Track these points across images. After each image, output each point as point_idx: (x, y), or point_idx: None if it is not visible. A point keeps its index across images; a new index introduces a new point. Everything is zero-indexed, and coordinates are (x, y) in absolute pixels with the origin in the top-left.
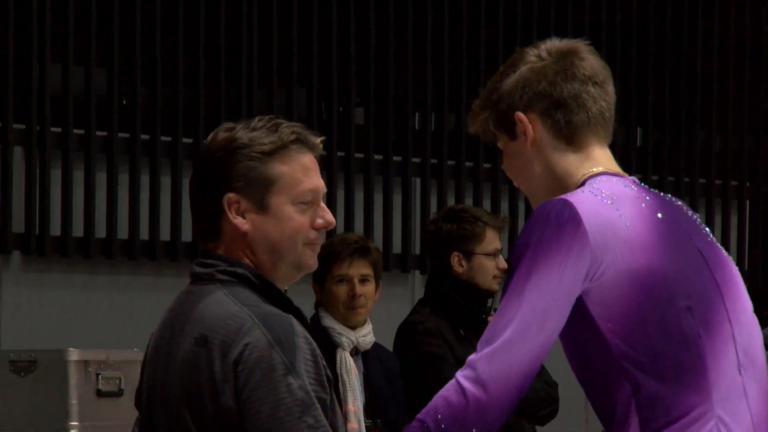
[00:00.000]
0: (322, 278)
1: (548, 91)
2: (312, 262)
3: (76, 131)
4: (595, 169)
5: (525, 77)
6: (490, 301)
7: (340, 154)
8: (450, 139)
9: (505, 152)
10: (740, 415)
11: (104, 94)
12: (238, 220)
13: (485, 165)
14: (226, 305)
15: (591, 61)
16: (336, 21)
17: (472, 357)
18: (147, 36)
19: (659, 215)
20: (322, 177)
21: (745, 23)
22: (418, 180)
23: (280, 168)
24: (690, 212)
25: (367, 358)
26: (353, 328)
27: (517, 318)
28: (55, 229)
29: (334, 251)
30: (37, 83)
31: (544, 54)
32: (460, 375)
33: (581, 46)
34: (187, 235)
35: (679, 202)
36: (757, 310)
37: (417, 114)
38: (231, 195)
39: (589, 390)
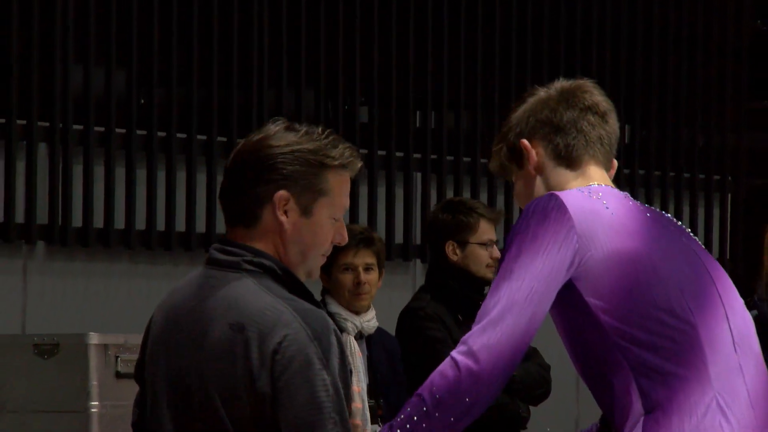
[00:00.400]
0: (328, 266)
1: (549, 118)
2: (318, 273)
3: (96, 129)
4: (589, 184)
5: (531, 108)
6: (486, 288)
7: None
8: (449, 136)
9: (515, 181)
10: (737, 391)
11: (123, 94)
12: (283, 218)
13: (482, 161)
14: (261, 296)
15: (594, 95)
16: (342, 26)
17: (464, 336)
18: (164, 39)
19: (647, 214)
20: None
21: (727, 26)
22: (419, 174)
23: (332, 182)
24: (679, 223)
25: (371, 342)
26: (357, 313)
27: (504, 296)
28: (77, 221)
29: None
30: (60, 83)
31: (551, 89)
32: (454, 352)
33: (587, 83)
34: (201, 226)
35: (669, 216)
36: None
37: (418, 113)
38: (284, 193)
39: (590, 380)
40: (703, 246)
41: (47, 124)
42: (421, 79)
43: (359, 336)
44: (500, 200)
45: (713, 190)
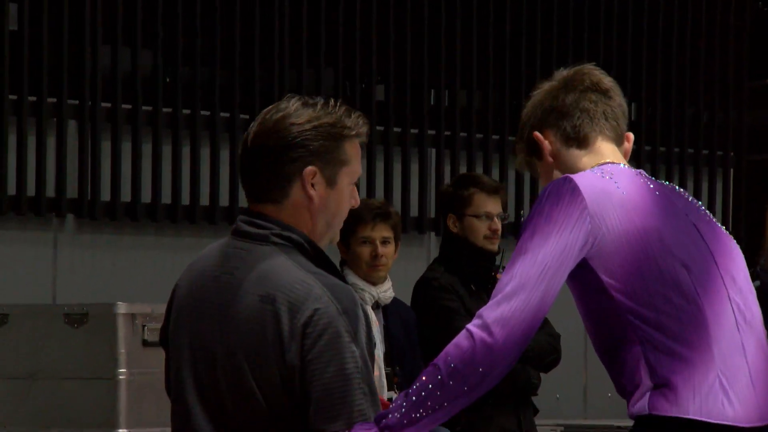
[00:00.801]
0: (347, 239)
1: (553, 105)
2: (338, 236)
3: (124, 106)
4: (602, 161)
5: (537, 101)
6: (498, 258)
7: None
8: (462, 114)
9: (539, 172)
10: (739, 369)
11: (149, 73)
12: (312, 192)
13: (494, 137)
14: (292, 270)
15: (594, 75)
16: (359, 8)
17: (480, 310)
18: (188, 21)
19: (656, 192)
20: None
21: (730, 8)
22: (433, 151)
23: (350, 151)
24: (690, 198)
25: (387, 311)
26: (374, 284)
27: (518, 273)
28: (105, 195)
29: (358, 215)
30: (90, 63)
31: (553, 80)
32: (469, 324)
33: (586, 66)
34: (224, 200)
35: (680, 190)
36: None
37: (432, 91)
38: (311, 168)
39: (604, 354)
40: (713, 219)
41: (77, 102)
42: (435, 59)
43: (376, 306)
44: (511, 175)
45: (716, 165)
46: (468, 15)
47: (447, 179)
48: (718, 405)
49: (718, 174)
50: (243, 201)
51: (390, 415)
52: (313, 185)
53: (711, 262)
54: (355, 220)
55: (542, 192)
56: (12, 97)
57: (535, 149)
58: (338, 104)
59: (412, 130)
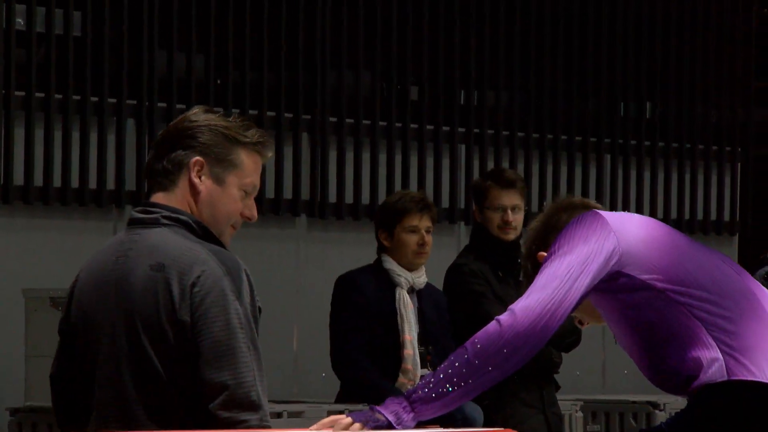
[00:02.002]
0: (391, 228)
1: (554, 225)
2: (228, 241)
3: (178, 106)
4: None
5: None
6: (523, 245)
7: (398, 125)
8: (490, 113)
9: None
10: None
11: (202, 76)
12: (197, 180)
13: (519, 134)
14: (179, 241)
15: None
16: (396, 15)
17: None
18: (238, 27)
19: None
20: (387, 145)
21: (738, 13)
22: (463, 147)
23: (243, 158)
24: None
25: (421, 295)
26: (414, 270)
27: (546, 274)
28: None
29: (404, 206)
30: (147, 66)
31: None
32: (498, 316)
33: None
34: (270, 192)
35: None
36: (749, 255)
37: (462, 91)
38: (199, 158)
39: (653, 353)
40: None
41: (135, 102)
42: (465, 61)
43: (411, 290)
44: (535, 169)
45: (725, 160)
46: (495, 21)
47: (476, 173)
48: None
49: (726, 169)
50: (287, 192)
51: (420, 391)
52: (200, 177)
53: (739, 267)
54: (401, 211)
55: (570, 221)
56: (76, 97)
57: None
58: (242, 118)
59: (444, 128)
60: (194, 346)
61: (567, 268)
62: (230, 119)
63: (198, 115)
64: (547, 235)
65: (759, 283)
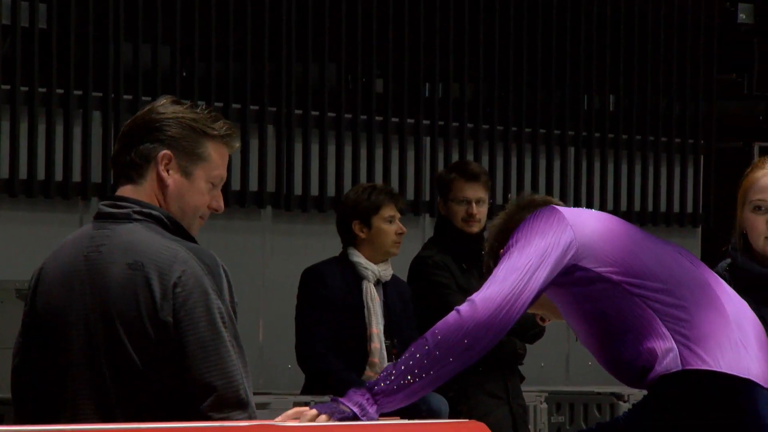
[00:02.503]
0: (368, 220)
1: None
2: (196, 232)
3: (144, 98)
4: None
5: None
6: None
7: (363, 117)
8: (454, 105)
9: None
10: (750, 333)
11: (168, 67)
12: (165, 174)
13: (484, 126)
14: (154, 238)
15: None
16: (360, 7)
17: (472, 295)
18: (203, 19)
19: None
20: (352, 137)
21: (700, 7)
22: (428, 139)
23: (210, 150)
24: None
25: (387, 288)
26: (378, 262)
27: (504, 267)
28: None
29: (379, 197)
30: (113, 58)
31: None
32: (458, 306)
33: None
34: (236, 184)
35: None
36: (712, 247)
37: (427, 84)
38: (166, 152)
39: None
40: None
41: (101, 94)
42: (430, 54)
43: (377, 283)
44: (500, 161)
45: (688, 152)
46: (460, 14)
47: (440, 165)
48: (743, 362)
49: (689, 161)
50: (253, 185)
51: (382, 383)
52: (168, 170)
53: (696, 259)
54: (377, 202)
55: (527, 216)
56: (42, 89)
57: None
58: (209, 110)
59: (409, 120)
60: (178, 346)
61: (526, 260)
62: (197, 111)
63: (165, 106)
64: (509, 233)
65: (715, 275)
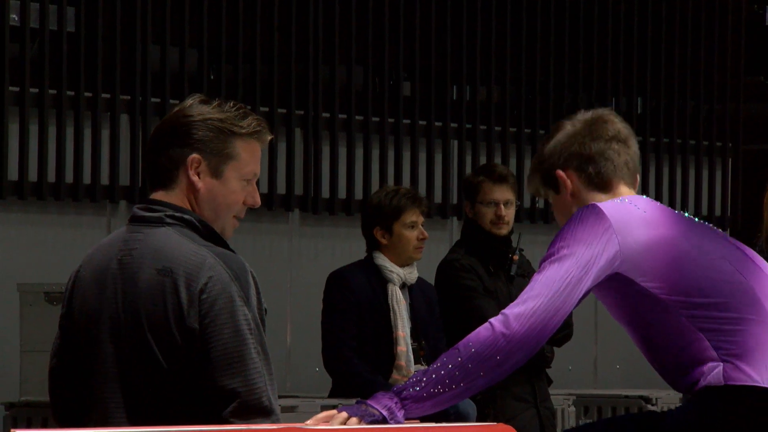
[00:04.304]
0: (390, 225)
1: (579, 151)
2: (231, 233)
3: (172, 101)
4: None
5: (561, 142)
6: (515, 240)
7: (391, 120)
8: (481, 108)
9: (554, 204)
10: None
11: (195, 70)
12: (195, 178)
13: (511, 129)
14: (185, 243)
15: (615, 124)
16: (388, 10)
17: (505, 308)
18: (231, 22)
19: (676, 212)
20: (379, 140)
21: (727, 10)
22: (455, 142)
23: (240, 148)
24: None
25: (413, 290)
26: (404, 266)
27: (543, 278)
28: None
29: (400, 203)
30: (140, 61)
31: (576, 123)
32: (493, 318)
33: (606, 112)
34: (264, 187)
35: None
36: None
37: (454, 87)
38: (196, 155)
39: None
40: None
41: (128, 97)
42: (457, 57)
43: (403, 286)
44: (527, 164)
45: (715, 154)
46: (487, 17)
47: (468, 169)
48: None
49: (717, 163)
50: (280, 188)
51: (410, 389)
52: (198, 174)
53: (746, 257)
54: (398, 207)
55: (571, 217)
56: (69, 92)
57: (554, 184)
58: (237, 106)
59: (436, 123)
60: (203, 353)
61: (565, 273)
62: (225, 109)
63: (193, 108)
64: (571, 159)
65: (763, 276)
